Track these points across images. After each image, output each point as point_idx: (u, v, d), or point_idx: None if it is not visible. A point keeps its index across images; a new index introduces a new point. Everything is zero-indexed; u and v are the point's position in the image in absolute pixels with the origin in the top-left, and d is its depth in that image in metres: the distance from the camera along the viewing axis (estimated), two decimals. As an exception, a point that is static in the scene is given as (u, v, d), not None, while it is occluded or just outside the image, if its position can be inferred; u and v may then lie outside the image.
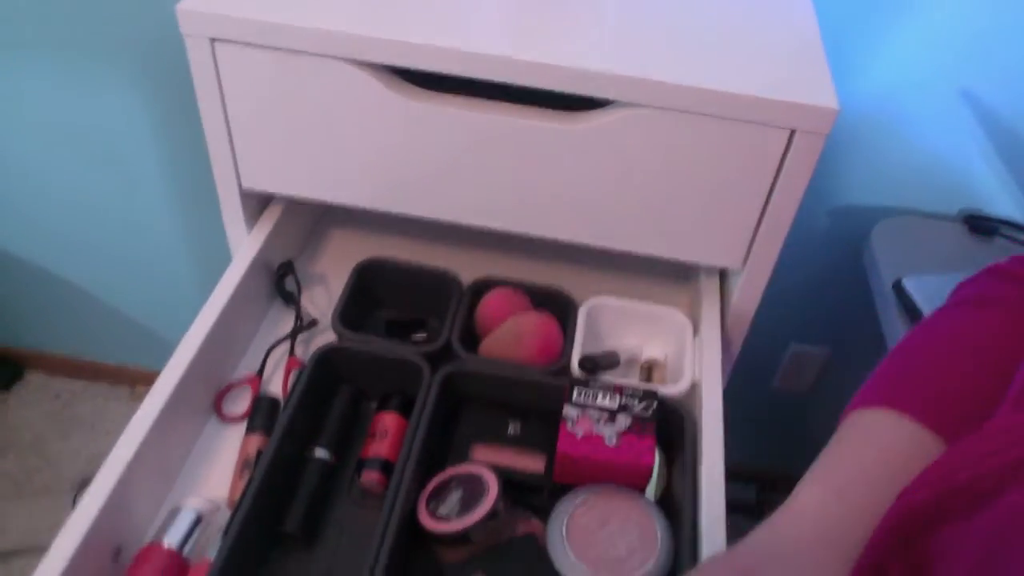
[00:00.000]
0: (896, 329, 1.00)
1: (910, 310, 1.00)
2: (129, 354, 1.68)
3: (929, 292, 1.00)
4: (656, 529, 0.51)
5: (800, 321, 1.34)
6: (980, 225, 1.14)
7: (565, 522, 0.51)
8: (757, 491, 1.53)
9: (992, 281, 0.51)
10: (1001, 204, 1.12)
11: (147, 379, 1.68)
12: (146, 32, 1.11)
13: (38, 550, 1.43)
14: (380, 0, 0.54)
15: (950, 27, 0.95)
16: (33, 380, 1.73)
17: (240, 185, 0.60)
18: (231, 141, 0.58)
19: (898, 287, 1.02)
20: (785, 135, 0.50)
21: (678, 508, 0.52)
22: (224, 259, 1.45)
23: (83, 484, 1.53)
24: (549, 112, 0.53)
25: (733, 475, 1.52)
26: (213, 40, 0.52)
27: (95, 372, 1.72)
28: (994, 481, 0.37)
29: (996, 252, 1.11)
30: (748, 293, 0.59)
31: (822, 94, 0.48)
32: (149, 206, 1.37)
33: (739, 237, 0.55)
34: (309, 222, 0.75)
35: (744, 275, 0.58)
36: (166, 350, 1.76)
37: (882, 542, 0.43)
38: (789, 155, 0.51)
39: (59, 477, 1.60)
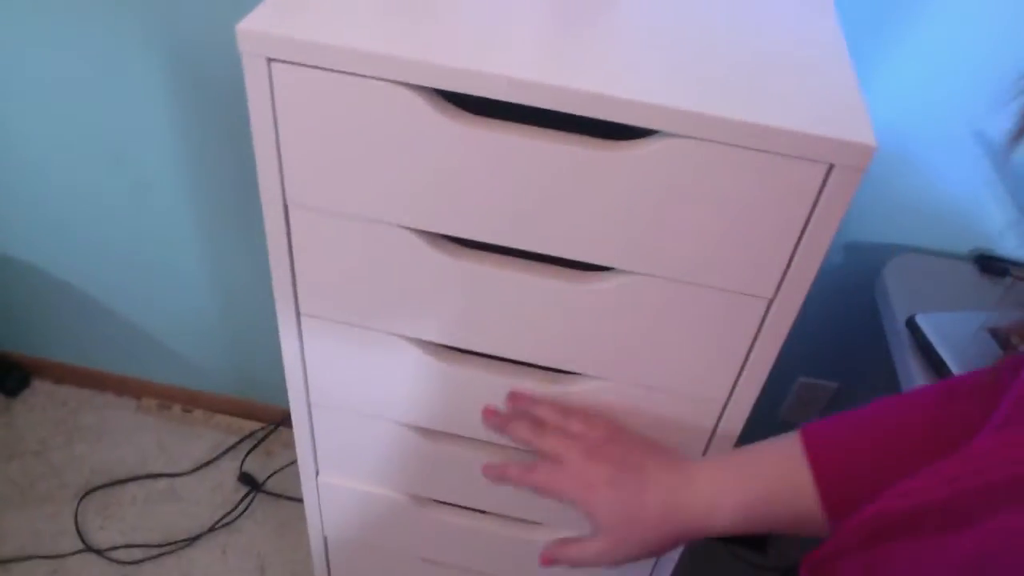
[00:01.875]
0: (908, 365, 1.02)
1: (923, 346, 1.02)
2: (137, 366, 1.69)
3: (942, 330, 1.02)
4: None
5: (809, 354, 1.36)
6: (990, 266, 1.16)
7: None
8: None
9: (979, 379, 0.55)
10: (1012, 245, 1.14)
11: (153, 391, 1.69)
12: (173, 40, 1.12)
13: (39, 558, 1.43)
14: (433, 26, 0.56)
15: (963, 62, 0.97)
16: (40, 387, 1.74)
17: (285, 200, 0.62)
18: (280, 158, 0.59)
19: (911, 324, 1.04)
20: (823, 169, 0.51)
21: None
22: (240, 274, 1.46)
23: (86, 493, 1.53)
24: (592, 140, 0.54)
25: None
26: (270, 60, 0.54)
27: (102, 381, 1.73)
28: (973, 501, 0.38)
29: (1005, 293, 1.13)
30: (777, 322, 0.61)
31: (860, 130, 0.50)
32: (165, 218, 1.38)
33: (773, 267, 0.57)
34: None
35: (776, 305, 0.59)
36: (175, 364, 1.78)
37: (845, 540, 0.45)
38: (826, 189, 0.52)
39: (63, 484, 1.60)
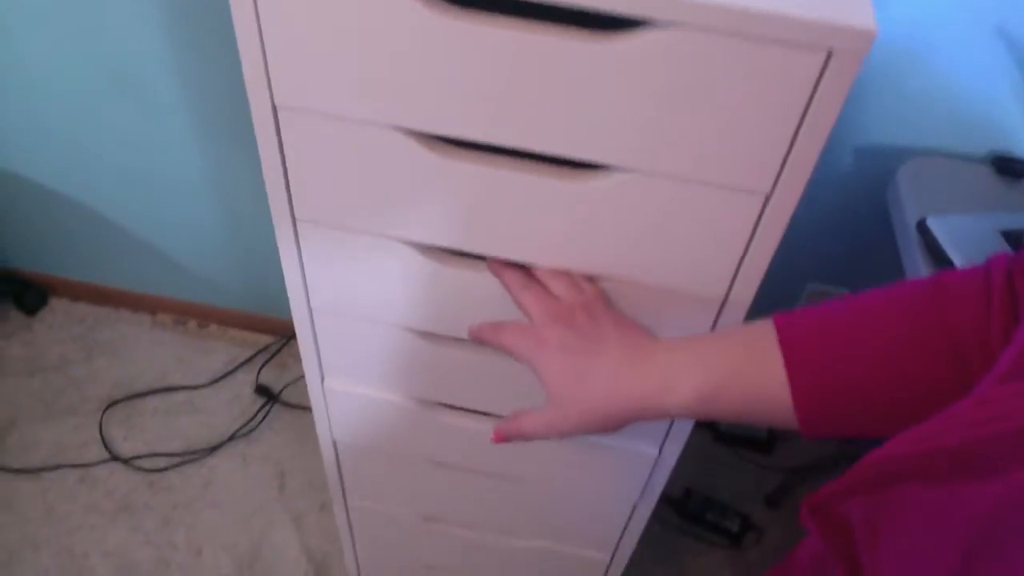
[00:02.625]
0: (918, 268, 1.00)
1: (933, 250, 1.00)
2: (151, 282, 1.71)
3: (954, 232, 1.00)
4: None
5: (819, 260, 1.35)
6: (1008, 168, 1.13)
7: None
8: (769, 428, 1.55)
9: (980, 272, 0.52)
10: (1031, 149, 1.11)
11: (167, 307, 1.71)
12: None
13: (67, 466, 1.48)
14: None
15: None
16: (58, 306, 1.77)
17: (273, 101, 0.61)
18: (265, 57, 0.58)
19: (922, 227, 1.02)
20: (822, 56, 0.49)
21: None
22: (248, 189, 1.46)
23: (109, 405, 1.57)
24: (585, 32, 0.53)
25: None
26: (249, -50, 0.52)
27: (118, 299, 1.75)
28: (990, 449, 0.37)
29: (1022, 195, 1.10)
30: (775, 218, 0.60)
31: (860, 15, 0.48)
32: (172, 134, 1.37)
33: (771, 159, 0.56)
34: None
35: (773, 200, 0.58)
36: (188, 279, 1.80)
37: (850, 482, 0.44)
38: (825, 77, 0.50)
39: (84, 398, 1.64)
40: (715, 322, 0.70)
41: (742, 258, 0.64)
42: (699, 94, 0.53)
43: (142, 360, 1.69)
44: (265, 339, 1.71)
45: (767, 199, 0.58)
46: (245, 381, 1.67)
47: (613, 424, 0.60)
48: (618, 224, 0.63)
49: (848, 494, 0.44)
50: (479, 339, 0.71)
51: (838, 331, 0.55)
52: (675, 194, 0.60)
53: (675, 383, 0.56)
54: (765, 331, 0.56)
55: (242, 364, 1.69)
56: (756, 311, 1.07)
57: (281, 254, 0.74)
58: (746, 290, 0.66)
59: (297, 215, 0.70)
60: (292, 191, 0.68)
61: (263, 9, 0.55)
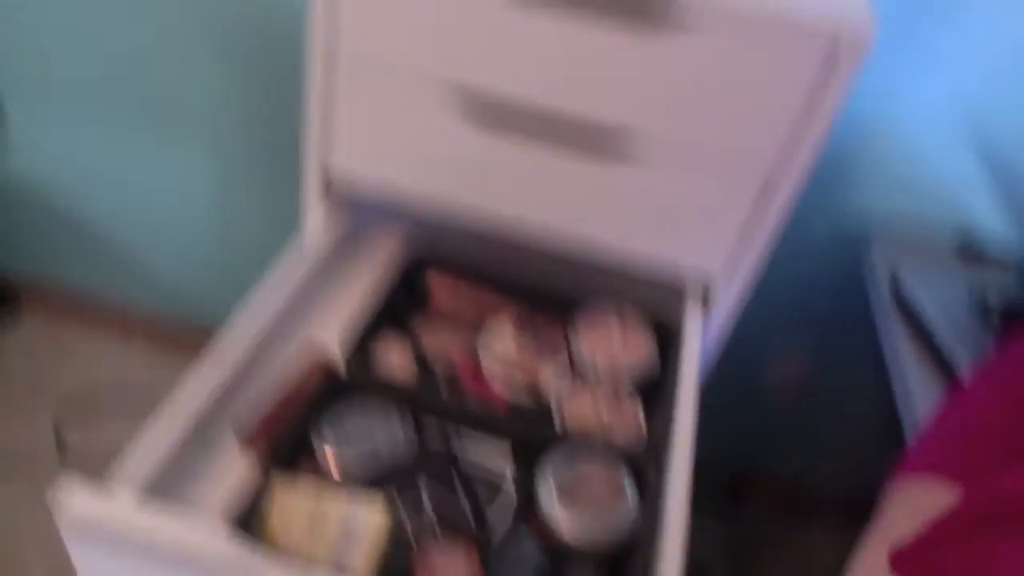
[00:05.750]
0: (890, 328, 1.03)
1: (904, 308, 1.04)
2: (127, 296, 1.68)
3: (924, 289, 1.05)
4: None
5: (791, 322, 1.38)
6: (972, 252, 1.18)
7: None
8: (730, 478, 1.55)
9: None
10: (996, 231, 1.17)
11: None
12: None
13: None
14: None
15: (966, 55, 1.01)
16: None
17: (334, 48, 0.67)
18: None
19: (895, 281, 1.06)
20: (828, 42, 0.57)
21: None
22: (246, 215, 1.43)
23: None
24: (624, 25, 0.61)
25: (710, 464, 1.45)
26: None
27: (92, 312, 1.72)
28: None
29: (986, 275, 1.14)
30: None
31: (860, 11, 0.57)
32: (183, 153, 1.38)
33: (777, 139, 0.63)
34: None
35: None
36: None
37: (948, 528, 0.42)
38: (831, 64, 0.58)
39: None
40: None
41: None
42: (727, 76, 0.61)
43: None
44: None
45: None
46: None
47: None
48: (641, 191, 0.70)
49: (947, 542, 0.40)
50: None
51: None
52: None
53: None
54: None
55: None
56: (731, 373, 1.09)
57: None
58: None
59: (332, 174, 0.74)
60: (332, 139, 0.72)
61: None
